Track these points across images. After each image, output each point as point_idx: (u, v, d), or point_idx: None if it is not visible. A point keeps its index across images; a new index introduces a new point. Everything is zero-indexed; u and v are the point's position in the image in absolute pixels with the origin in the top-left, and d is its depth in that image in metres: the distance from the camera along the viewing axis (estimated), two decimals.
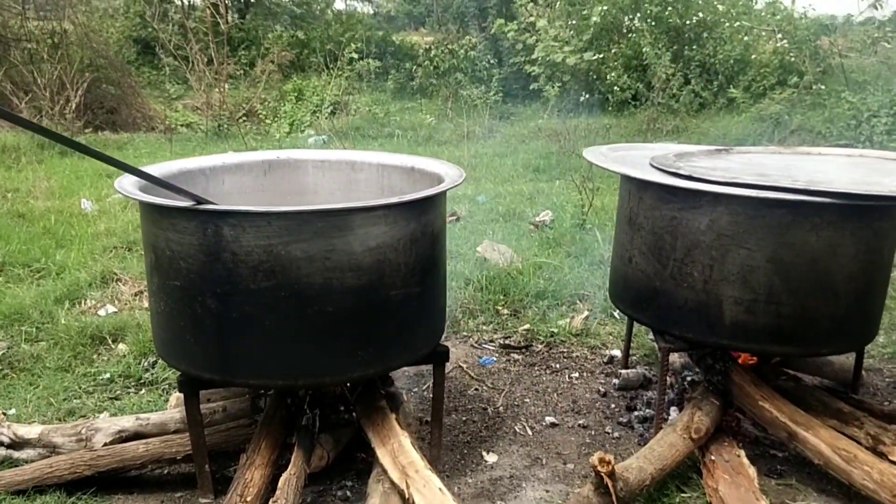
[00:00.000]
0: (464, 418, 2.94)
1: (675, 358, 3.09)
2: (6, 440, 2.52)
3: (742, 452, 2.43)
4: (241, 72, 13.30)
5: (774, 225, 2.30)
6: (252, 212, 2.02)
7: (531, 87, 11.76)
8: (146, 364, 3.29)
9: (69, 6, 11.35)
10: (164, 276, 2.15)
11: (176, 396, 2.78)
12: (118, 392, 3.10)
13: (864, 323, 2.55)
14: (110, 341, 3.50)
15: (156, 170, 2.48)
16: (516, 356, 3.51)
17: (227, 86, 11.60)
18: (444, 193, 2.36)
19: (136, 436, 2.54)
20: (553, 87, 10.91)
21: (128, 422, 2.58)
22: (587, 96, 10.87)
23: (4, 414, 2.72)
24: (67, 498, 2.31)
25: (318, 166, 2.94)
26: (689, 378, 2.96)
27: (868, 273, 2.43)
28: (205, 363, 2.17)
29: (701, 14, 11.17)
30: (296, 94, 12.19)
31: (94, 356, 3.39)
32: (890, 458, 2.28)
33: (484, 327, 3.81)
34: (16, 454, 2.52)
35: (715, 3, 11.25)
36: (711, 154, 3.09)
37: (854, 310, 2.46)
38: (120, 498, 2.37)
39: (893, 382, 3.23)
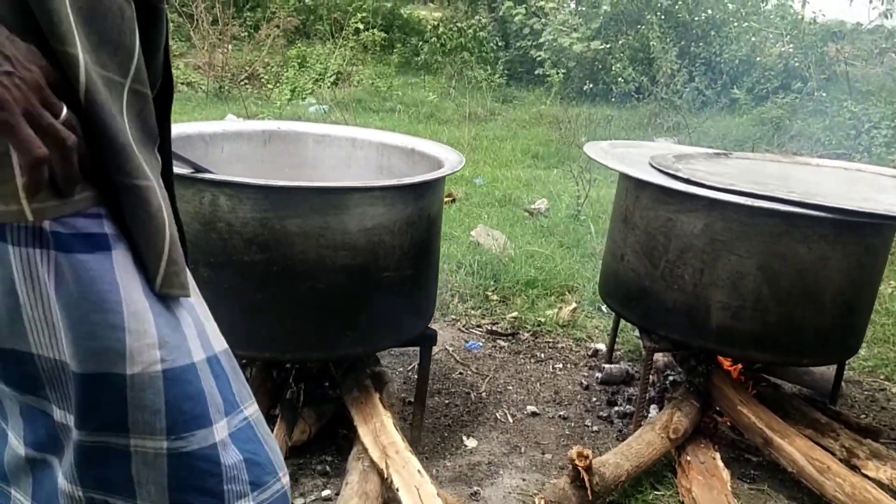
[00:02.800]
0: (447, 401, 2.97)
1: (659, 357, 3.11)
2: None
3: (717, 455, 2.47)
4: (246, 34, 13.15)
5: (767, 234, 2.32)
6: (249, 184, 2.02)
7: (536, 73, 11.69)
8: None
9: None
10: None
11: None
12: None
13: (848, 336, 2.59)
14: None
15: None
16: (502, 343, 3.54)
17: (230, 47, 11.47)
18: (442, 178, 2.36)
19: None
20: (558, 72, 10.86)
21: None
22: (591, 85, 10.82)
23: None
24: None
25: (318, 140, 2.92)
26: (671, 378, 2.99)
27: (856, 288, 2.45)
28: None
29: (710, 11, 11.11)
30: (299, 61, 12.05)
31: None
32: (863, 471, 2.32)
33: (472, 312, 3.83)
34: None
35: (725, 1, 11.19)
36: (710, 158, 3.10)
37: (839, 323, 2.49)
38: None
39: (871, 396, 3.28)
